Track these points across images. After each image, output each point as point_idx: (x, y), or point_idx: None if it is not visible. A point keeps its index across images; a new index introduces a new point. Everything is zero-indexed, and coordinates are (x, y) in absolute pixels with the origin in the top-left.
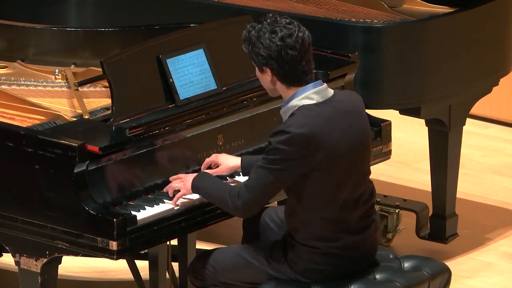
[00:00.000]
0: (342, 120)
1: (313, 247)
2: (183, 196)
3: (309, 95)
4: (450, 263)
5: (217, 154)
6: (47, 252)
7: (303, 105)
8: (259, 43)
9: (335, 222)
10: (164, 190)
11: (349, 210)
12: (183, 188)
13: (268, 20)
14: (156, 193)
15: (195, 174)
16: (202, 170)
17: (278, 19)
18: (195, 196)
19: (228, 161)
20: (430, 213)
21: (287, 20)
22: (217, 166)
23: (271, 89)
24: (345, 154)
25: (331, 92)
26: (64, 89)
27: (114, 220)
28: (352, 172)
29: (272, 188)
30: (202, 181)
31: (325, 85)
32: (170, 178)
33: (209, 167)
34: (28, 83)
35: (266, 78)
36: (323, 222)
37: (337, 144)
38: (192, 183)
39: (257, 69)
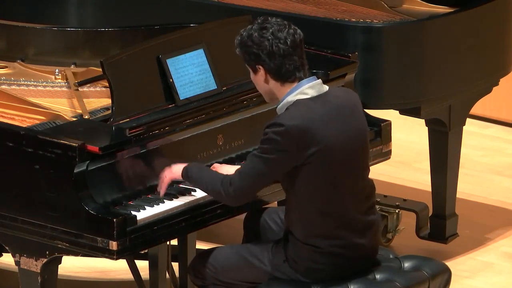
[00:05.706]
0: (337, 114)
1: (315, 246)
2: (185, 195)
3: (304, 90)
4: (450, 263)
5: (217, 165)
6: (47, 252)
7: (298, 100)
8: (250, 41)
9: (335, 217)
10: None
11: (349, 205)
12: (171, 173)
13: (259, 21)
14: (156, 193)
15: (185, 164)
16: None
17: (269, 18)
18: (198, 195)
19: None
20: (430, 213)
21: (278, 19)
22: None
23: (267, 91)
24: (341, 148)
25: (326, 87)
26: (64, 89)
27: (114, 220)
28: (349, 166)
29: (264, 177)
30: (194, 168)
31: (319, 80)
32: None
33: None
34: (28, 83)
35: (260, 79)
36: (322, 218)
37: (331, 137)
38: (184, 167)
39: (251, 72)
